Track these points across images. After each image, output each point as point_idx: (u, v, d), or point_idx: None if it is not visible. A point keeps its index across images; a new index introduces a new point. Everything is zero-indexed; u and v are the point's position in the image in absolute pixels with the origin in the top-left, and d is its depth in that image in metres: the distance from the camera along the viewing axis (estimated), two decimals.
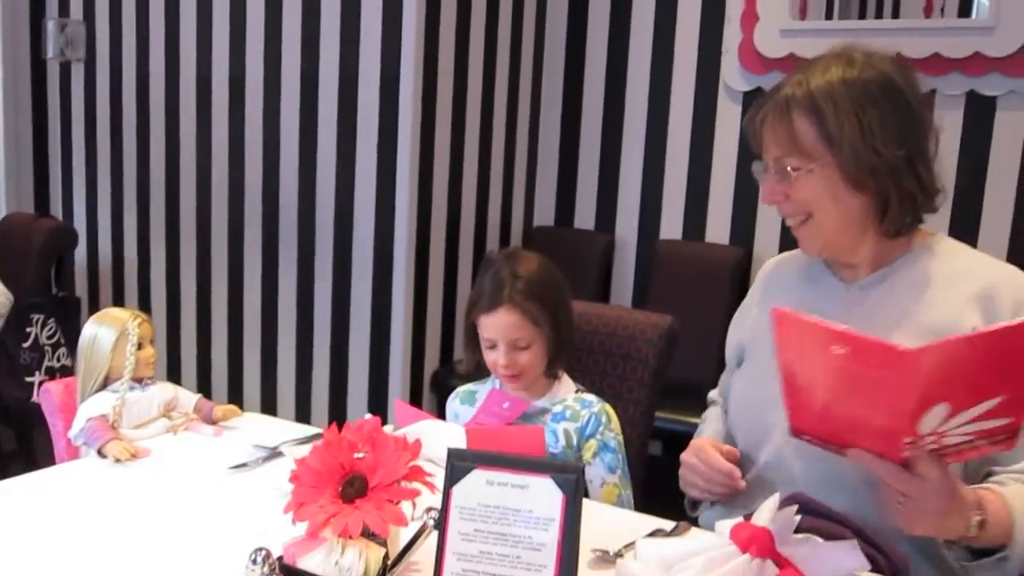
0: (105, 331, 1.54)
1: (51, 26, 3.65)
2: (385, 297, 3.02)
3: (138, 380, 1.56)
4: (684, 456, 1.38)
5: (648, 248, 3.34)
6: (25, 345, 2.77)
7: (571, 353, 1.68)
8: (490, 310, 1.55)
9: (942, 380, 0.96)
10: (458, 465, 0.95)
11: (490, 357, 1.58)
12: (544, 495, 0.94)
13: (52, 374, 2.87)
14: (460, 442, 1.41)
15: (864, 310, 1.28)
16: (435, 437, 1.42)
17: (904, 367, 0.95)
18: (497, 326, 1.55)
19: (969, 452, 1.06)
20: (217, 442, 1.55)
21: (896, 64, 1.25)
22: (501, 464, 0.94)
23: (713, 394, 1.61)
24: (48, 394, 1.59)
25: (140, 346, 1.56)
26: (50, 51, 3.67)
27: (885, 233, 1.27)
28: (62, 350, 2.91)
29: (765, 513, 0.96)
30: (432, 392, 3.17)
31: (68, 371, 2.92)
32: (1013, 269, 1.26)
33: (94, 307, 3.77)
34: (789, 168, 1.24)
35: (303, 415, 3.26)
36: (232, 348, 3.42)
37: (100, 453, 1.43)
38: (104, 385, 1.55)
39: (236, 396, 3.43)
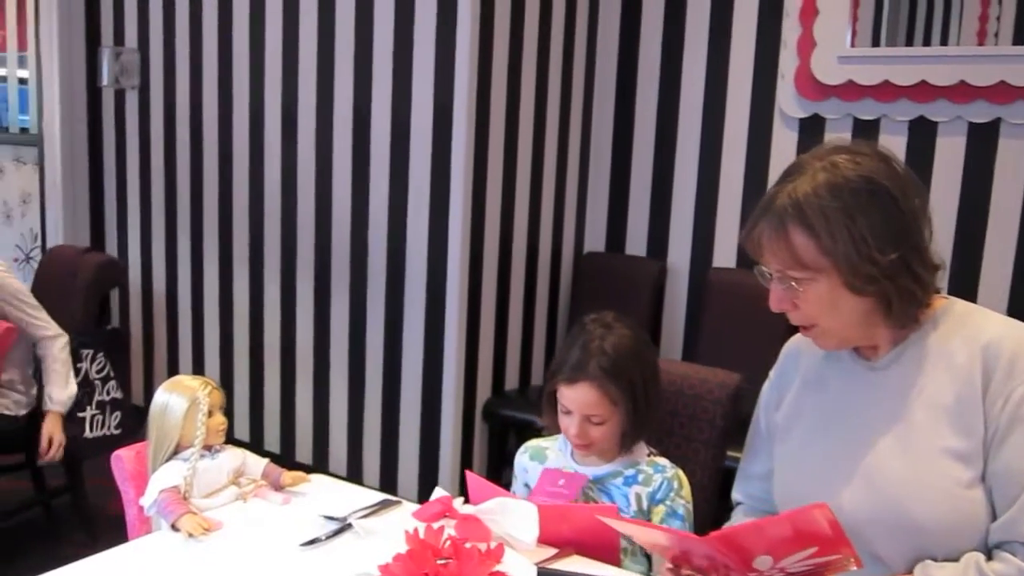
0: (176, 400, 1.55)
1: (106, 54, 3.70)
2: (437, 327, 3.02)
3: (208, 448, 1.57)
4: None
5: (701, 275, 3.30)
6: (76, 381, 2.77)
7: (653, 430, 1.65)
8: (570, 382, 1.54)
9: (750, 547, 1.10)
10: None
11: (564, 422, 1.59)
12: None
13: (103, 408, 2.87)
14: (532, 521, 1.39)
15: (882, 390, 1.32)
16: (508, 515, 1.41)
17: (710, 544, 1.13)
18: (575, 400, 1.54)
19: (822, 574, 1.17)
20: (286, 511, 1.55)
21: (879, 159, 1.25)
22: None
23: (735, 496, 1.60)
24: (119, 461, 1.60)
25: (210, 414, 1.57)
26: (105, 79, 3.72)
27: (893, 325, 1.29)
28: (111, 383, 2.92)
29: None
30: (484, 422, 3.16)
31: (118, 404, 2.93)
32: (1014, 323, 1.28)
33: (148, 340, 3.81)
34: (793, 283, 1.25)
35: (355, 442, 3.27)
36: (285, 377, 3.45)
37: (174, 527, 1.44)
38: (175, 453, 1.56)
39: (288, 424, 3.45)
